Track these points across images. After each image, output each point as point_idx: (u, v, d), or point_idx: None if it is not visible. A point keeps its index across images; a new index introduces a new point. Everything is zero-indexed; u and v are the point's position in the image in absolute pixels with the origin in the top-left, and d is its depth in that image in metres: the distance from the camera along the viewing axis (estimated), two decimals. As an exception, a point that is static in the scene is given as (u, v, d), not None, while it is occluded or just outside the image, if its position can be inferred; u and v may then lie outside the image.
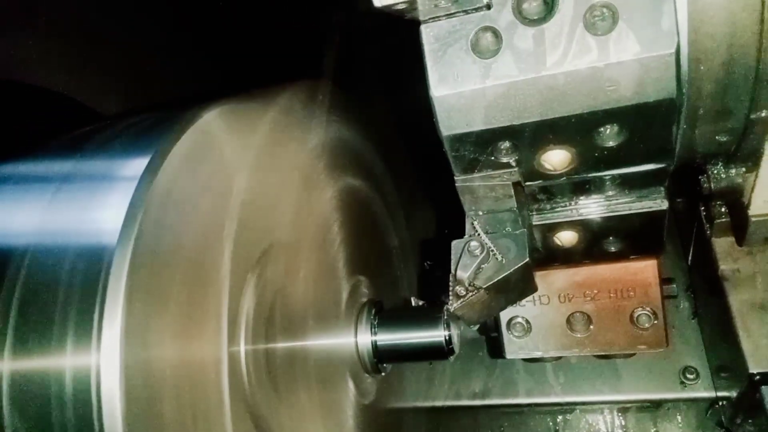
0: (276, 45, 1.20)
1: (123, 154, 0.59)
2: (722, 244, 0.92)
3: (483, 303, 0.64)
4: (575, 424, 1.12)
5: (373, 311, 0.83)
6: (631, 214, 0.67)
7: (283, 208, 0.69)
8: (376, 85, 1.22)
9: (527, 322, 0.84)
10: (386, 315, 0.83)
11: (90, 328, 0.47)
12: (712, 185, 0.72)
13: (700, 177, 0.74)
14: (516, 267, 0.63)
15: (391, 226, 1.03)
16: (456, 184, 0.64)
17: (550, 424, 1.13)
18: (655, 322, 0.80)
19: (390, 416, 0.99)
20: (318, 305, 0.75)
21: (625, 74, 0.52)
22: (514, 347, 0.86)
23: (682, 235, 1.11)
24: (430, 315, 0.78)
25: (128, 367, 0.46)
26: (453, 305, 0.63)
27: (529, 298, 0.82)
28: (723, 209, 0.86)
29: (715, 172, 0.71)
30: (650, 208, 0.66)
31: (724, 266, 0.92)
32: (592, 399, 1.11)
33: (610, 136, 0.56)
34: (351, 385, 0.80)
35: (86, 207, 0.56)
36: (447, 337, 0.76)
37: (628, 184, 0.65)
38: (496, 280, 0.63)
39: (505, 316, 0.85)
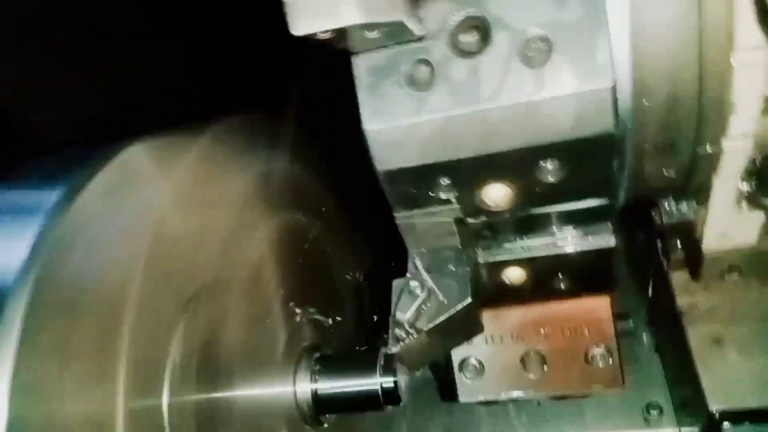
0: (260, 55, 1.15)
1: (36, 187, 0.55)
2: (679, 279, 0.91)
3: (424, 346, 0.61)
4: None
5: (314, 357, 0.76)
6: (578, 251, 0.64)
7: (212, 247, 0.65)
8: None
9: (480, 363, 0.81)
10: (328, 361, 0.76)
11: None
12: (664, 220, 0.71)
13: (652, 212, 0.73)
14: (458, 308, 0.60)
15: (342, 265, 0.98)
16: (396, 221, 0.61)
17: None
18: (610, 361, 0.77)
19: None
20: (254, 351, 0.70)
21: (561, 108, 0.50)
22: (468, 390, 0.82)
23: (640, 268, 1.09)
24: (375, 361, 0.71)
25: (15, 426, 0.41)
26: (392, 349, 0.60)
27: (482, 337, 0.79)
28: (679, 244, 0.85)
29: (667, 206, 0.70)
30: (597, 245, 0.64)
31: (682, 300, 0.90)
32: (557, 440, 1.07)
33: (550, 170, 0.54)
34: None
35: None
36: (393, 385, 0.70)
37: (573, 220, 0.63)
38: (437, 321, 0.60)
39: (457, 356, 0.82)
